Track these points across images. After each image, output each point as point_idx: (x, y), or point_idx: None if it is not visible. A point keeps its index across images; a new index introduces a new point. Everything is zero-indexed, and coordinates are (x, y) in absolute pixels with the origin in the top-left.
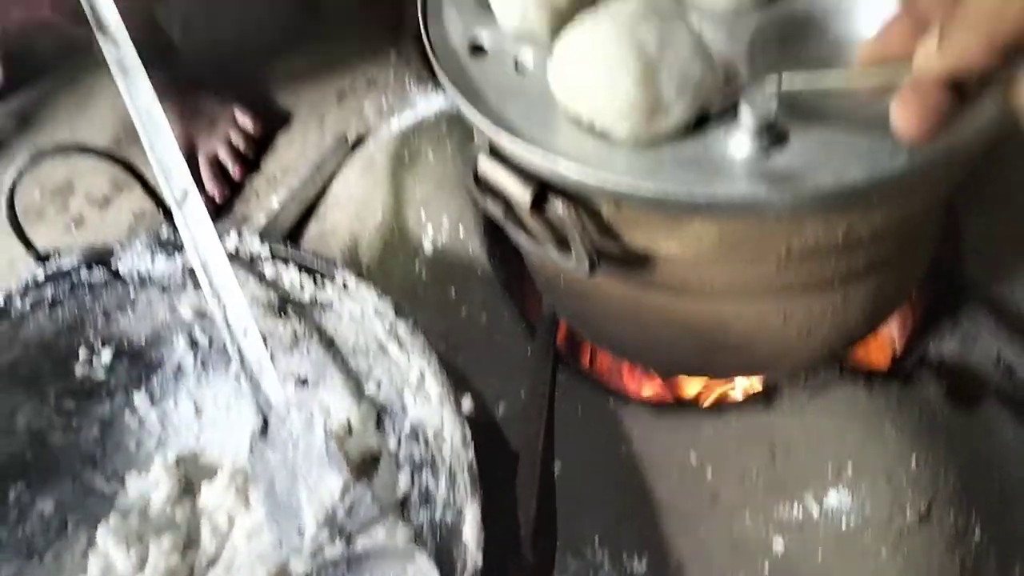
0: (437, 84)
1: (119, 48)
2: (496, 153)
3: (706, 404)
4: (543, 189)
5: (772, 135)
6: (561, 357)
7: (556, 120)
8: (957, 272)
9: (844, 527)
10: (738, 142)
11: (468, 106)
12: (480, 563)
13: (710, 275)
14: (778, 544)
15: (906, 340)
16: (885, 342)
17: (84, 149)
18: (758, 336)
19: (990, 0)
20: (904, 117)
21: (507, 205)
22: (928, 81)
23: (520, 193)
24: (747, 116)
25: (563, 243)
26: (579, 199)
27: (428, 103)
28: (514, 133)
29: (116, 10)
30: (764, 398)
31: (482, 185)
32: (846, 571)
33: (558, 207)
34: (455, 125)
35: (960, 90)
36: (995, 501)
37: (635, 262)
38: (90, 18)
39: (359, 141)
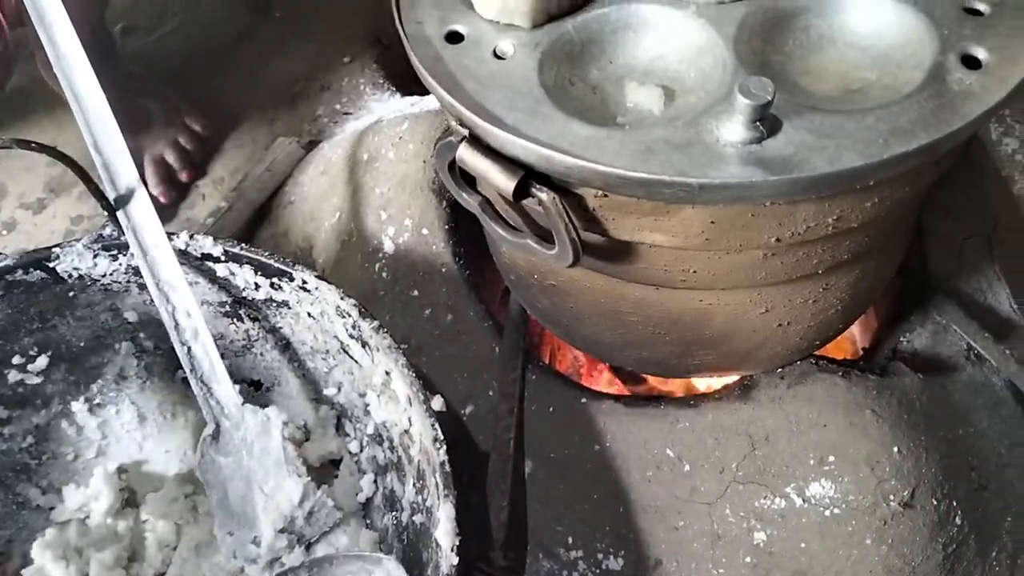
0: (395, 88)
1: (63, 44)
2: (477, 142)
3: (682, 395)
4: (527, 178)
5: (767, 123)
6: (530, 358)
7: (541, 108)
8: (924, 268)
9: (827, 516)
10: (731, 129)
11: (447, 95)
12: (455, 563)
13: (695, 265)
14: (759, 535)
15: (874, 335)
16: (847, 343)
17: (24, 143)
18: (738, 329)
19: None
20: None
21: (484, 197)
22: None
23: (503, 183)
24: (743, 104)
25: (544, 235)
26: (565, 188)
27: (384, 108)
28: (497, 122)
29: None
30: (741, 390)
31: (457, 176)
32: (829, 560)
33: (542, 197)
34: (418, 124)
35: None
36: (973, 488)
37: (619, 253)
38: (32, 16)
39: (313, 143)
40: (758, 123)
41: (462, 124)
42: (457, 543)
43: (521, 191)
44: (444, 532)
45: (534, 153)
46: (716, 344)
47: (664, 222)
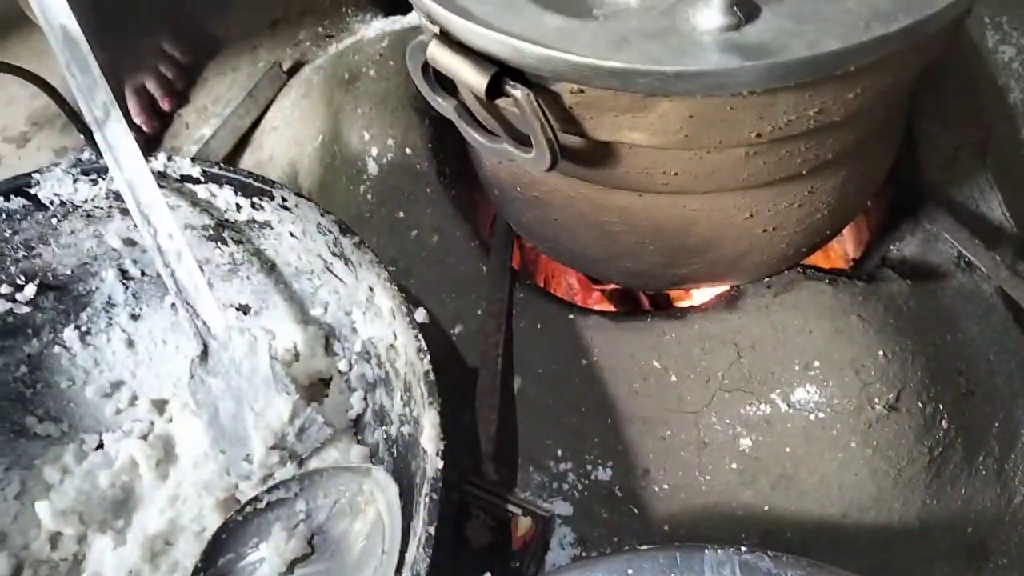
0: (378, 8)
1: None
2: (447, 38)
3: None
4: (500, 74)
5: (744, 8)
6: (518, 276)
7: (512, 0)
8: (915, 177)
9: (812, 420)
10: (708, 16)
11: None
12: (440, 467)
13: (676, 167)
14: (745, 442)
15: (865, 245)
16: (839, 254)
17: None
18: (723, 235)
19: None
20: None
21: (459, 101)
22: None
23: (475, 80)
24: None
25: (521, 139)
26: (539, 84)
27: (367, 29)
28: (467, 15)
29: None
30: (728, 300)
31: (431, 79)
32: (815, 464)
33: (516, 94)
34: (399, 40)
35: None
36: (961, 392)
37: (599, 155)
38: None
39: (295, 68)
40: (735, 8)
41: (432, 21)
42: (442, 447)
43: (494, 89)
44: (428, 438)
45: (506, 45)
46: (701, 252)
47: (642, 119)
